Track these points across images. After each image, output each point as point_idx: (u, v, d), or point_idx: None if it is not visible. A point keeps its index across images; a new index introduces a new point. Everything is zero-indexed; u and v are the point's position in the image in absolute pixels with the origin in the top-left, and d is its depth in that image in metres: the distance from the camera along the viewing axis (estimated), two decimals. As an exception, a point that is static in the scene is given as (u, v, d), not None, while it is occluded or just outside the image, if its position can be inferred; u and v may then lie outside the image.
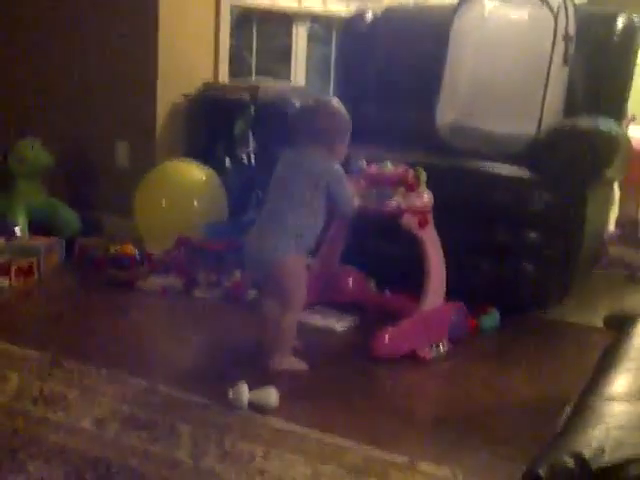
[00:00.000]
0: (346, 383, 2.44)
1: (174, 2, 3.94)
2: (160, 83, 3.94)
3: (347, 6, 4.90)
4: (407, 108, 3.78)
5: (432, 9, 4.31)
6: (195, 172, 3.74)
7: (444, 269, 2.71)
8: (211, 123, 4.08)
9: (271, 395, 2.18)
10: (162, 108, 3.97)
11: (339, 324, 2.89)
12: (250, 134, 4.06)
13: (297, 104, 3.55)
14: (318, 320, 2.91)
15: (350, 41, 4.11)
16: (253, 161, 4.11)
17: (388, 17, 4.08)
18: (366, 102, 3.94)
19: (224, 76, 4.27)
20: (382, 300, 3.04)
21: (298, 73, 4.88)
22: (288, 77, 4.89)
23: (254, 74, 4.71)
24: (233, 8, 4.33)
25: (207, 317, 2.98)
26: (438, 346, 2.66)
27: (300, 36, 4.89)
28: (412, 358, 2.60)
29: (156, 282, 3.23)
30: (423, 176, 2.63)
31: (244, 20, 4.72)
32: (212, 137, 4.10)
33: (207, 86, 4.11)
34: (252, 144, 4.06)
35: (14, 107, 4.20)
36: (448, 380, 2.56)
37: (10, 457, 1.87)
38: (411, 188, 2.61)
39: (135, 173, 3.79)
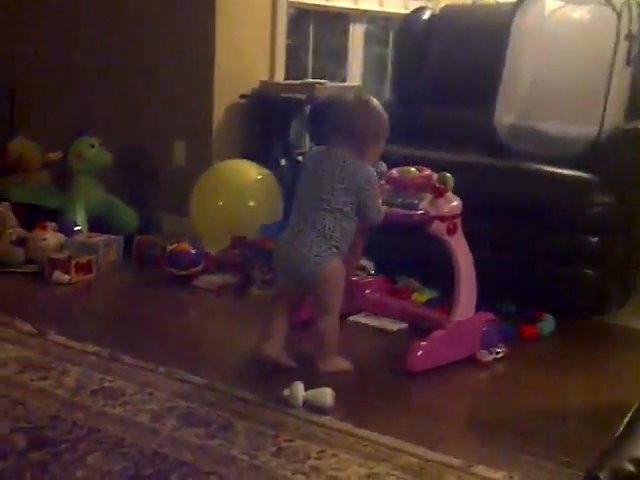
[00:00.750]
0: (401, 384, 2.42)
1: (231, 2, 3.96)
2: (217, 83, 3.97)
3: (404, 5, 4.88)
4: (464, 108, 3.74)
5: (491, 8, 4.29)
6: (251, 172, 3.76)
7: (474, 277, 2.62)
8: (267, 123, 4.10)
9: (326, 395, 2.18)
10: (219, 108, 4.00)
11: (393, 325, 2.88)
12: (306, 134, 4.07)
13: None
14: (372, 321, 2.91)
15: (407, 40, 4.08)
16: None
17: (446, 16, 4.06)
18: (422, 102, 3.93)
19: (280, 76, 4.29)
20: (406, 309, 2.95)
21: (354, 73, 4.88)
22: (344, 77, 4.89)
23: (310, 74, 4.71)
24: (289, 7, 4.34)
25: (262, 315, 2.98)
26: (496, 350, 2.63)
27: (356, 36, 4.88)
28: (470, 361, 2.58)
29: (212, 280, 3.26)
30: (450, 181, 2.53)
31: (300, 20, 4.73)
32: (268, 137, 4.12)
33: (263, 86, 4.13)
34: (307, 144, 4.07)
35: (75, 106, 4.26)
36: (505, 384, 2.53)
37: (70, 449, 1.89)
38: (439, 193, 2.51)
39: (192, 172, 3.82)
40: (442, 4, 4.14)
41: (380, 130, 2.42)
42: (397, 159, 3.34)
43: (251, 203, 3.64)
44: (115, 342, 2.55)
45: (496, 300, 2.92)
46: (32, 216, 3.68)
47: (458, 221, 2.55)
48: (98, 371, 2.35)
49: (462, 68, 3.83)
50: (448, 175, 2.53)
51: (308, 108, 3.95)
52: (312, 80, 4.26)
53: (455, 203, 2.55)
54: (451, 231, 2.53)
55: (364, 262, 3.23)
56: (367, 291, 3.01)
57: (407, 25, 4.11)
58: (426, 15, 4.06)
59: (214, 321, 2.99)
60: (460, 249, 2.57)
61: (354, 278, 2.94)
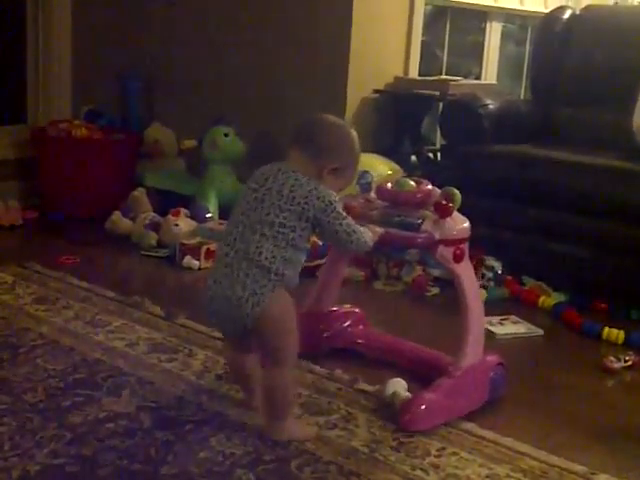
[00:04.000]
0: (526, 386, 2.38)
1: (368, -2, 3.97)
2: (351, 77, 3.98)
3: (544, 4, 4.78)
4: (602, 110, 3.66)
5: (634, 9, 4.15)
6: (381, 167, 3.75)
7: (482, 311, 2.23)
8: (399, 118, 4.10)
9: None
10: (352, 102, 4.01)
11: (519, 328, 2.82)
12: (438, 131, 4.04)
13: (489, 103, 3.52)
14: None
15: (546, 40, 4.00)
16: (439, 158, 4.09)
17: (587, 16, 3.96)
18: (559, 103, 3.85)
19: (414, 72, 4.27)
20: (389, 347, 2.51)
21: (489, 71, 4.80)
22: (478, 75, 4.82)
23: (444, 71, 4.67)
24: (427, 4, 4.31)
25: (386, 310, 2.99)
26: (625, 357, 2.54)
27: (494, 34, 4.81)
28: (596, 367, 2.52)
29: (337, 273, 3.28)
30: (458, 198, 2.13)
31: (437, 16, 4.69)
32: (399, 132, 4.11)
33: (397, 82, 4.12)
34: (439, 141, 4.03)
35: (212, 95, 4.36)
36: (634, 392, 2.45)
37: (194, 430, 1.94)
38: (445, 213, 2.09)
39: (322, 165, 3.84)
40: (583, 4, 4.03)
41: (344, 152, 1.96)
42: (532, 160, 3.31)
43: (379, 198, 3.64)
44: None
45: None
46: (166, 202, 3.79)
47: (465, 246, 2.14)
48: (224, 356, 2.40)
49: (601, 69, 3.75)
50: (455, 191, 2.14)
51: (441, 105, 3.93)
52: (446, 77, 4.22)
53: (464, 225, 2.14)
54: (458, 258, 2.12)
55: (492, 262, 3.18)
56: (346, 324, 2.55)
57: (547, 24, 4.03)
58: (566, 15, 3.98)
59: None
60: (468, 279, 2.17)
61: (333, 309, 2.53)
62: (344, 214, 1.92)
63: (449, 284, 3.20)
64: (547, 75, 3.92)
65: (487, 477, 1.83)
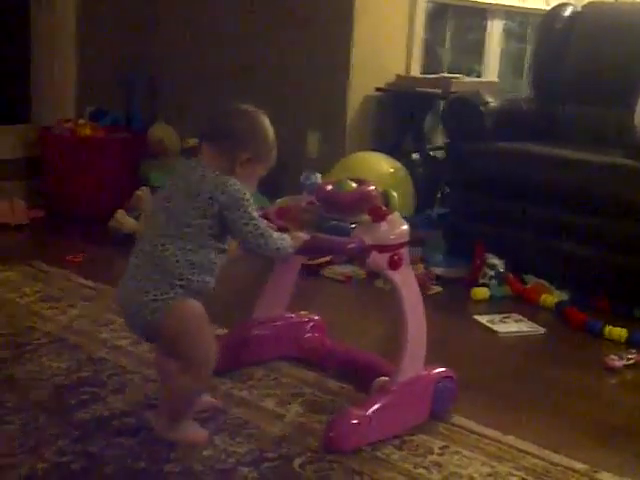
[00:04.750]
0: (528, 385, 2.40)
1: (371, -5, 3.98)
2: (353, 76, 3.99)
3: (546, 1, 4.78)
4: (604, 107, 3.67)
5: (635, 6, 4.15)
6: (383, 164, 3.77)
7: (424, 324, 2.05)
8: (401, 116, 4.11)
9: None
10: (354, 100, 4.03)
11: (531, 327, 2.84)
12: (440, 129, 4.05)
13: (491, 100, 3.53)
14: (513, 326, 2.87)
15: (547, 37, 4.01)
16: (441, 156, 4.10)
17: (589, 13, 3.96)
18: (561, 100, 3.85)
19: (416, 70, 4.28)
20: (347, 356, 2.38)
21: (490, 69, 4.81)
22: (480, 73, 4.83)
23: (445, 69, 4.68)
24: (428, 2, 4.32)
25: (387, 308, 2.99)
26: (627, 355, 2.55)
27: (495, 31, 4.81)
28: (600, 365, 2.54)
29: (341, 271, 3.30)
30: (394, 200, 1.97)
31: (438, 14, 4.70)
32: (401, 130, 4.13)
33: (399, 80, 4.13)
34: (441, 139, 4.05)
35: (215, 94, 4.37)
36: (636, 390, 2.46)
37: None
38: (378, 216, 1.93)
39: (324, 163, 3.85)
40: (585, 1, 4.03)
41: (255, 141, 1.87)
42: (534, 158, 3.32)
43: (381, 196, 3.64)
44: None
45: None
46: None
47: (404, 252, 1.98)
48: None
49: (603, 66, 3.74)
50: (392, 193, 1.98)
51: (443, 103, 3.94)
52: (448, 75, 4.23)
53: (401, 228, 1.98)
54: (395, 264, 1.95)
55: (494, 260, 3.19)
56: (307, 335, 2.43)
57: (548, 21, 4.04)
58: (568, 12, 3.98)
59: (339, 311, 3.02)
60: (407, 288, 2.00)
61: (296, 318, 2.44)
62: (253, 214, 1.81)
63: (452, 282, 3.24)
64: (548, 72, 3.92)
65: (489, 475, 1.84)
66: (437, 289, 3.19)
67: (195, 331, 1.81)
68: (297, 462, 1.84)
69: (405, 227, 1.99)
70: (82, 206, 3.91)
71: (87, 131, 4.00)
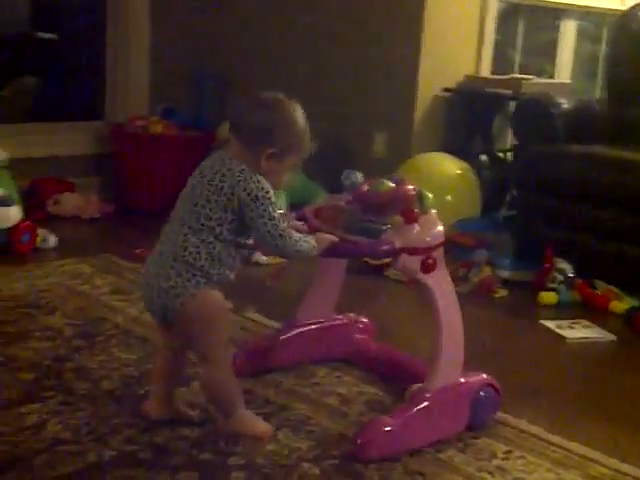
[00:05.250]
0: (594, 394, 2.36)
1: (441, -6, 3.96)
2: (422, 75, 3.97)
3: (622, 1, 4.69)
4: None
5: None
6: (450, 166, 3.74)
7: (461, 330, 1.98)
8: (469, 117, 4.08)
9: None
10: (422, 100, 4.01)
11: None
12: (508, 130, 4.01)
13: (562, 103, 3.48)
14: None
15: (622, 38, 3.92)
16: (510, 158, 4.06)
17: (666, 14, 3.87)
18: (635, 104, 3.77)
19: (486, 71, 4.24)
20: (390, 360, 2.34)
21: (563, 70, 4.74)
22: (552, 74, 4.76)
23: (516, 70, 4.63)
24: (499, 1, 4.28)
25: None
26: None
27: (568, 32, 4.74)
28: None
29: (405, 271, 3.29)
30: (428, 200, 1.91)
31: (509, 14, 4.65)
32: (469, 131, 4.09)
33: (468, 80, 4.10)
34: (510, 141, 4.00)
35: (278, 91, 4.40)
36: None
37: (263, 422, 1.98)
38: (409, 218, 1.88)
39: (390, 163, 3.85)
40: (663, 0, 3.95)
41: (282, 134, 1.80)
42: (606, 161, 3.27)
43: (448, 197, 3.63)
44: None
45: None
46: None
47: (438, 254, 1.92)
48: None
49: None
50: (425, 193, 1.92)
51: (513, 104, 3.90)
52: (519, 76, 4.18)
53: (435, 230, 1.92)
54: (428, 267, 1.89)
55: (563, 264, 3.15)
56: (352, 337, 2.38)
57: (623, 22, 3.95)
58: (645, 13, 3.89)
59: (402, 311, 3.02)
60: (441, 293, 1.94)
61: (341, 320, 2.39)
62: (274, 214, 1.77)
63: (519, 286, 3.21)
64: (623, 74, 3.85)
65: (554, 482, 1.83)
66: (503, 292, 3.17)
67: (213, 320, 1.82)
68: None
69: (440, 228, 1.93)
70: (151, 201, 3.97)
71: (159, 128, 4.07)
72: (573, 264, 3.18)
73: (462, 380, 1.99)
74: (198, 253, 1.77)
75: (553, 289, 3.13)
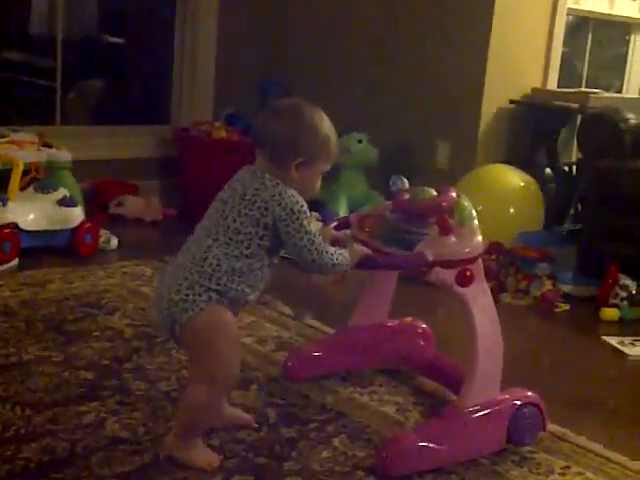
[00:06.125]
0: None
1: (509, 6, 3.92)
2: (487, 87, 3.94)
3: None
4: None
5: None
6: (514, 178, 3.71)
7: (500, 345, 1.90)
8: (535, 130, 4.03)
9: None
10: (487, 111, 3.98)
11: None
12: (574, 144, 3.96)
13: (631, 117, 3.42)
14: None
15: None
16: (575, 172, 4.01)
17: None
18: None
19: (553, 84, 4.19)
20: (444, 369, 2.26)
21: (632, 85, 4.66)
22: (620, 88, 4.69)
23: (584, 83, 4.57)
24: (568, 14, 4.23)
25: (511, 324, 2.94)
26: None
27: (638, 46, 4.66)
28: None
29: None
30: (466, 212, 1.83)
31: (578, 27, 4.60)
32: (534, 144, 4.05)
33: (535, 93, 4.06)
34: (576, 154, 3.95)
35: (347, 101, 4.41)
36: None
37: (318, 429, 1.98)
38: (444, 229, 1.80)
39: (453, 174, 3.83)
40: None
41: (305, 142, 1.72)
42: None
43: (511, 210, 3.59)
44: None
45: None
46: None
47: (476, 267, 1.84)
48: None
49: None
50: (463, 203, 1.84)
51: (579, 118, 3.85)
52: (586, 89, 4.13)
53: (472, 242, 1.84)
54: (464, 281, 1.81)
55: (627, 281, 3.09)
56: (409, 343, 2.32)
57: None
58: None
59: (452, 322, 2.98)
60: (478, 307, 1.86)
61: (393, 323, 2.33)
62: (309, 228, 1.70)
63: (580, 301, 3.16)
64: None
65: (612, 499, 1.80)
66: (565, 307, 3.12)
67: (219, 343, 1.71)
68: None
69: (478, 240, 1.84)
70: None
71: (222, 134, 4.10)
72: (637, 281, 3.12)
73: (500, 397, 1.91)
74: (218, 265, 1.70)
75: (615, 305, 3.07)
